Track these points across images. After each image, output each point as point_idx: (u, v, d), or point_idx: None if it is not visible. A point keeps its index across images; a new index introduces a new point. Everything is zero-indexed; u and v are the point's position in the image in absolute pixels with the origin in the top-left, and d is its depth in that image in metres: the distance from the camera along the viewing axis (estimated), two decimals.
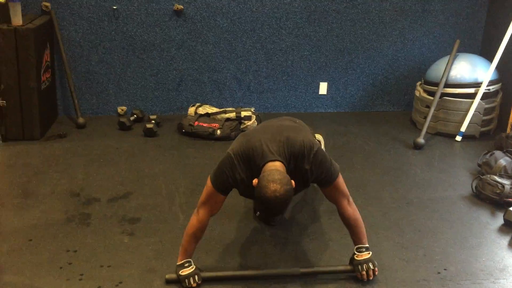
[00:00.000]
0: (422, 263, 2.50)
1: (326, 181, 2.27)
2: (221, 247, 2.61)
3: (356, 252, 2.37)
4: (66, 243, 2.60)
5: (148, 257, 2.51)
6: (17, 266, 2.42)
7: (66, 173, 3.39)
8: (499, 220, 2.92)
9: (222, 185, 2.23)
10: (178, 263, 2.31)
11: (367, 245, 2.38)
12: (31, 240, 2.63)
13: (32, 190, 3.14)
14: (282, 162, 2.15)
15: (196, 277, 2.28)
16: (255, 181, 2.11)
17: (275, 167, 2.11)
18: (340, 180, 2.32)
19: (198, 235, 2.31)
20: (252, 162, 2.18)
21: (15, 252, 2.52)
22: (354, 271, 2.36)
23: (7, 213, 2.88)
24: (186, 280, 2.27)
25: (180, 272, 2.29)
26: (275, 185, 2.01)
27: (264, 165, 2.14)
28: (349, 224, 2.37)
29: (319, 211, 2.98)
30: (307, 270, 2.38)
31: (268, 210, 2.10)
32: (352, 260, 2.38)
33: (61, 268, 2.40)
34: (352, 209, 2.36)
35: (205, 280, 2.32)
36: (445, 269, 2.46)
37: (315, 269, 2.41)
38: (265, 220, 2.84)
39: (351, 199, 2.37)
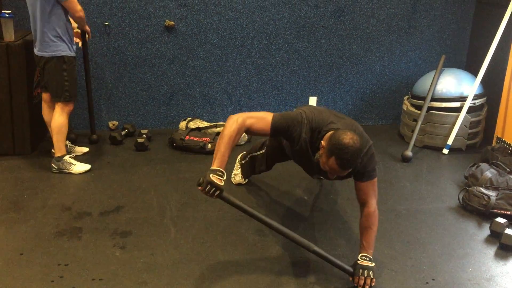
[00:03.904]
0: (411, 274, 2.54)
1: (368, 175, 2.41)
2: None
3: (359, 259, 2.42)
4: (57, 257, 2.60)
5: (140, 270, 2.52)
6: (8, 280, 2.41)
7: (57, 187, 3.40)
8: (486, 231, 2.97)
9: (279, 129, 2.35)
10: (212, 167, 2.22)
11: (371, 257, 2.43)
12: (22, 254, 2.63)
13: (23, 204, 3.14)
14: None
15: (218, 192, 2.20)
16: (323, 141, 2.25)
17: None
18: (376, 180, 2.45)
19: (236, 140, 2.30)
20: (316, 133, 2.33)
21: (6, 266, 2.52)
22: (353, 274, 2.38)
23: None
24: (209, 186, 2.17)
25: (210, 175, 2.18)
26: (351, 134, 2.18)
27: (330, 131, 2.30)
28: (368, 226, 2.44)
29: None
30: (320, 251, 2.39)
31: (342, 159, 2.16)
32: (354, 264, 2.41)
33: (52, 281, 2.40)
34: (377, 211, 2.46)
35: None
36: (433, 279, 2.50)
37: (327, 255, 2.41)
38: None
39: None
